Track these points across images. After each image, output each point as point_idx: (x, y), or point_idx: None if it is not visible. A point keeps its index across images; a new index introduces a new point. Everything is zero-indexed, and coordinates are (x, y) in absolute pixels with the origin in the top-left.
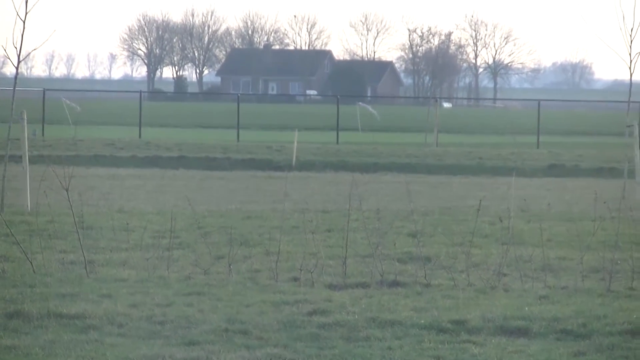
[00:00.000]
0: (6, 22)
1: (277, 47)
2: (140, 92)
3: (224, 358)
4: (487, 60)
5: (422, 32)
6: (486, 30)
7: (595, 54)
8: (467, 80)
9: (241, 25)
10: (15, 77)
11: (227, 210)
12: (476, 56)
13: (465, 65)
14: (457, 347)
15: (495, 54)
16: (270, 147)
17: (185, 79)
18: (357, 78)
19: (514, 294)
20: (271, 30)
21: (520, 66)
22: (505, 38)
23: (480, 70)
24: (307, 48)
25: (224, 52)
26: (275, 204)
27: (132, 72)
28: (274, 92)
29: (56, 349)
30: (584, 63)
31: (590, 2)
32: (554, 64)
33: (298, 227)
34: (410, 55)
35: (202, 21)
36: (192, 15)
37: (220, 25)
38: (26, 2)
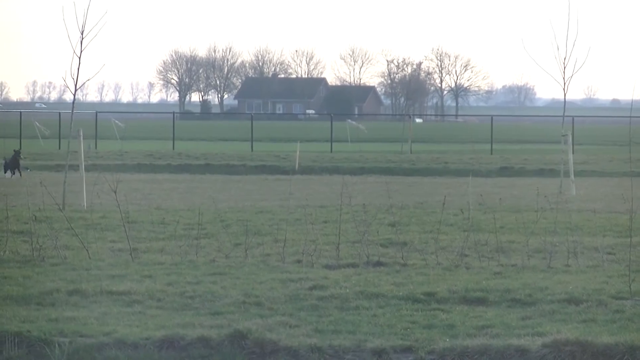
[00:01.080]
0: (65, 57)
1: (282, 75)
2: (174, 113)
3: (242, 325)
4: (450, 84)
5: (398, 62)
6: (449, 60)
7: (536, 77)
8: (435, 100)
9: (253, 58)
10: (73, 102)
11: (244, 206)
12: (441, 81)
13: (432, 88)
14: (428, 314)
15: (457, 79)
16: (277, 155)
17: (209, 102)
18: (347, 100)
19: (473, 271)
20: (277, 62)
21: (476, 89)
22: (464, 66)
23: (445, 92)
24: (306, 76)
25: (240, 80)
26: (282, 201)
27: (166, 97)
28: (280, 111)
29: (108, 319)
30: (528, 85)
31: (532, 36)
32: (503, 86)
33: (300, 220)
34: (389, 81)
35: (222, 55)
36: (215, 51)
37: (237, 58)
38: (81, 42)
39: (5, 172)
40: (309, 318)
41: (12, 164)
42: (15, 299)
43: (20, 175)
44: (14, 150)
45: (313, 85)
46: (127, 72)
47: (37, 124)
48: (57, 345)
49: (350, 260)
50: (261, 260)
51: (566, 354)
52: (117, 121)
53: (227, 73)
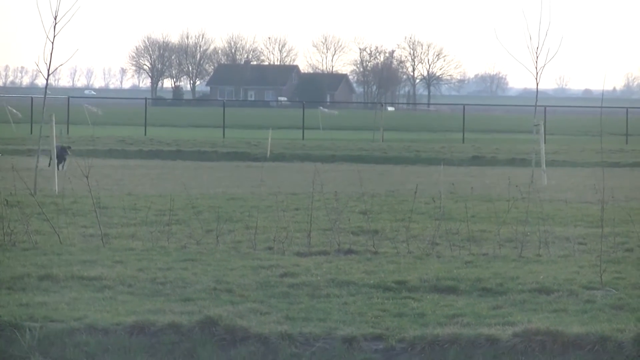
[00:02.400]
0: (38, 42)
1: (254, 62)
2: (145, 99)
3: (213, 311)
4: (422, 73)
5: (370, 51)
6: (422, 48)
7: (508, 67)
8: (407, 89)
9: (226, 45)
10: (46, 87)
11: (215, 193)
12: (414, 70)
13: (405, 77)
14: (399, 302)
15: (429, 67)
16: (249, 142)
17: (182, 88)
18: (319, 87)
19: (445, 260)
20: (250, 49)
21: (449, 77)
22: (437, 55)
23: (417, 80)
24: (278, 63)
25: (212, 67)
26: (253, 188)
27: (139, 83)
28: (252, 98)
29: (78, 304)
30: (500, 75)
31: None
32: (475, 75)
33: (272, 207)
34: (361, 69)
35: (195, 42)
36: (187, 37)
37: (210, 45)
38: (54, 27)
39: (52, 165)
40: (280, 305)
41: (58, 157)
42: None
43: (63, 168)
44: (62, 145)
45: (285, 73)
46: (99, 58)
47: (10, 107)
48: (27, 330)
49: (322, 247)
50: (232, 247)
51: (537, 343)
52: (90, 106)
53: (200, 59)
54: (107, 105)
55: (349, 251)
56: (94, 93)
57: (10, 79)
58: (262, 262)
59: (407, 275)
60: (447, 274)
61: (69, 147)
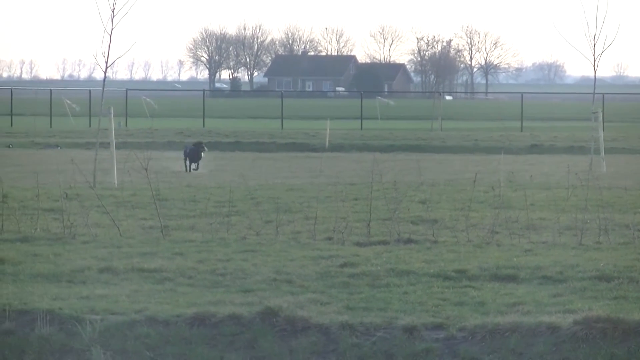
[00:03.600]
0: (95, 35)
1: (312, 53)
2: (204, 90)
3: (273, 302)
4: (480, 62)
5: (427, 40)
6: (479, 37)
7: (566, 55)
8: (464, 77)
9: (283, 36)
10: (104, 80)
11: (274, 184)
12: (471, 59)
13: (462, 65)
14: (459, 291)
15: (487, 56)
16: (307, 133)
17: (239, 79)
18: (376, 77)
19: (504, 248)
20: (307, 39)
21: (506, 66)
22: (494, 44)
23: (475, 69)
24: (336, 54)
25: (269, 58)
26: (312, 179)
27: (196, 74)
28: (310, 89)
29: (139, 296)
30: (557, 63)
31: (562, 13)
32: (533, 63)
33: (331, 197)
34: (419, 59)
35: (252, 33)
36: (244, 28)
37: (267, 36)
38: (112, 20)
39: (186, 167)
40: (340, 295)
41: (193, 156)
42: (46, 276)
43: (197, 169)
44: (195, 142)
45: (343, 63)
46: (156, 50)
47: (68, 101)
48: (88, 322)
49: (381, 237)
50: (292, 237)
51: (597, 330)
52: (148, 99)
53: (257, 51)
54: (165, 97)
55: (409, 240)
56: (179, 86)
57: (68, 72)
58: (322, 253)
59: (466, 264)
60: (506, 262)
61: (203, 144)
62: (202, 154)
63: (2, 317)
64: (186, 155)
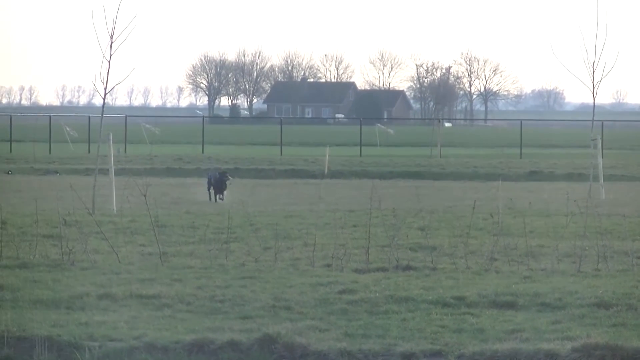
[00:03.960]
0: (95, 61)
1: (311, 80)
2: (203, 117)
3: (272, 329)
4: (479, 89)
5: (427, 67)
6: (478, 64)
7: (565, 82)
8: (464, 104)
9: (282, 63)
10: (103, 107)
11: (273, 210)
12: (470, 85)
13: (461, 92)
14: (458, 318)
15: (486, 83)
16: (307, 159)
17: (239, 106)
18: (376, 104)
19: (503, 275)
20: (307, 66)
21: (506, 93)
22: (493, 70)
23: (474, 96)
24: (335, 80)
25: (269, 85)
26: (311, 205)
27: (196, 101)
28: (309, 116)
29: (137, 323)
30: (557, 89)
31: (561, 40)
32: (532, 90)
33: (330, 224)
34: (418, 85)
35: (252, 60)
36: (244, 55)
37: (266, 63)
38: (111, 46)
39: (209, 196)
40: (339, 322)
41: (218, 186)
42: (45, 302)
43: (222, 199)
44: (220, 172)
45: (342, 90)
46: (156, 76)
47: (67, 128)
48: (87, 349)
49: (380, 264)
50: (291, 264)
51: (596, 358)
52: (148, 125)
53: (256, 77)
54: (164, 123)
55: (407, 267)
56: (200, 112)
57: (68, 98)
58: (321, 279)
59: (465, 291)
60: (505, 289)
61: (228, 174)
62: (227, 184)
63: (1, 344)
64: (210, 184)
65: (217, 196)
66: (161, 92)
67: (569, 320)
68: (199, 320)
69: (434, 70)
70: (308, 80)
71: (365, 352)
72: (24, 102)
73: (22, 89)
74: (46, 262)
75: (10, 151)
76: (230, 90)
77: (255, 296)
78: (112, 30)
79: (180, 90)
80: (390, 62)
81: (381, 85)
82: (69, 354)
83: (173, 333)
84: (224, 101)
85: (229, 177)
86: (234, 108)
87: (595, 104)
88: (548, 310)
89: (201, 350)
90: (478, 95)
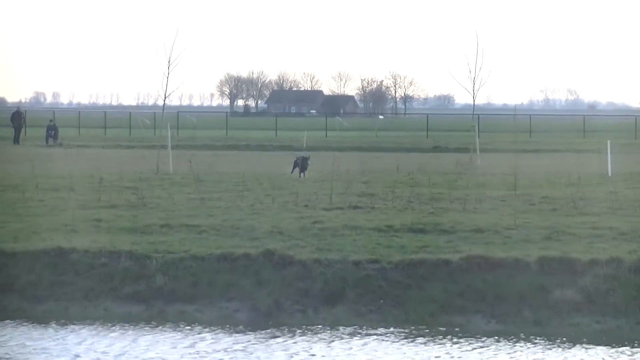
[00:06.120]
0: (158, 76)
1: (295, 88)
2: (226, 112)
3: (271, 246)
4: (401, 94)
5: (368, 80)
6: (400, 78)
7: (456, 89)
8: (391, 104)
9: (277, 77)
10: (164, 105)
11: (271, 172)
12: (395, 92)
13: (390, 96)
14: (388, 238)
15: (405, 91)
16: (292, 139)
17: (249, 105)
18: (336, 104)
19: (416, 212)
20: (292, 80)
21: (417, 97)
22: (410, 83)
23: (398, 99)
24: (310, 89)
25: (268, 92)
26: (291, 167)
27: (222, 102)
28: (294, 111)
29: (185, 242)
30: (450, 94)
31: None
32: (434, 95)
33: (308, 179)
34: (363, 92)
35: (257, 76)
36: (252, 73)
37: (266, 78)
38: (168, 67)
39: (298, 173)
40: (313, 241)
41: (303, 165)
42: (127, 229)
43: (304, 176)
44: (304, 156)
45: (314, 95)
46: (197, 85)
47: (141, 118)
48: (154, 258)
49: (339, 205)
50: (282, 205)
51: (475, 264)
52: (191, 117)
53: (260, 87)
54: (203, 115)
55: (356, 207)
56: (314, 111)
57: (141, 100)
58: (301, 215)
59: (393, 222)
60: (417, 221)
61: (309, 157)
62: (308, 163)
63: (99, 255)
64: (296, 164)
65: (302, 173)
66: (200, 96)
67: (458, 240)
68: (224, 241)
69: (373, 82)
70: (293, 89)
71: (330, 260)
72: (113, 102)
73: (111, 94)
74: (127, 204)
75: (105, 133)
76: (244, 95)
77: (260, 226)
78: (169, 57)
79: (212, 95)
80: (345, 77)
81: (339, 92)
82: (142, 261)
83: (207, 249)
84: (240, 102)
85: (309, 162)
86: (246, 107)
87: (475, 104)
88: (445, 234)
89: (225, 259)
90: (400, 98)
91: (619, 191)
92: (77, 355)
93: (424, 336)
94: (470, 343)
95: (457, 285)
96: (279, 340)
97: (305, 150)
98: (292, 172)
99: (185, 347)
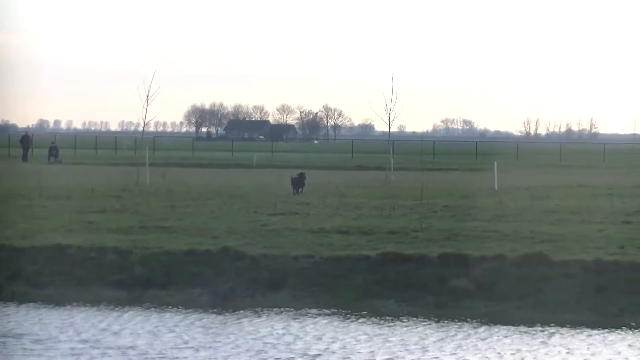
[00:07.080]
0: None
1: (248, 118)
2: (192, 137)
3: (228, 243)
4: (331, 123)
5: (305, 112)
6: (331, 111)
7: (375, 119)
8: (324, 131)
9: (233, 109)
10: (142, 131)
11: (227, 185)
12: (327, 122)
13: (323, 125)
14: (320, 238)
15: (334, 120)
16: (244, 158)
17: (211, 132)
18: (280, 131)
19: (342, 217)
20: (245, 111)
21: (345, 125)
22: (339, 114)
23: (329, 127)
24: (260, 119)
25: (226, 121)
26: (249, 182)
27: (189, 128)
28: (246, 137)
29: (161, 240)
30: (371, 123)
31: (374, 98)
32: (359, 124)
33: (257, 191)
34: (301, 122)
35: (217, 108)
36: (214, 105)
37: (225, 110)
38: (147, 100)
39: (293, 191)
40: (261, 240)
41: (298, 184)
42: (113, 230)
43: (300, 193)
44: (299, 173)
45: (263, 124)
46: (168, 115)
47: (125, 141)
48: (134, 253)
49: (281, 211)
50: (237, 211)
51: (390, 258)
52: (165, 141)
53: (219, 117)
54: (174, 140)
55: (295, 213)
56: (317, 142)
57: (125, 126)
58: (252, 219)
59: (324, 225)
60: (344, 224)
61: (305, 174)
62: (305, 181)
63: (90, 250)
64: (292, 181)
65: (298, 190)
66: (171, 124)
67: (377, 240)
68: (190, 239)
69: (310, 114)
70: (246, 119)
71: (274, 255)
72: (102, 128)
73: (102, 121)
74: (113, 210)
75: (96, 153)
76: (207, 123)
77: (219, 227)
78: (147, 93)
79: (181, 123)
80: (287, 109)
81: (283, 121)
82: (125, 255)
83: (177, 245)
84: (204, 129)
85: (306, 178)
86: (208, 133)
87: (390, 131)
88: (366, 235)
89: (192, 254)
90: (331, 127)
91: (504, 202)
92: (72, 324)
93: (349, 316)
94: (386, 321)
95: (375, 276)
96: (233, 319)
97: (255, 167)
98: (294, 194)
99: (158, 322)
